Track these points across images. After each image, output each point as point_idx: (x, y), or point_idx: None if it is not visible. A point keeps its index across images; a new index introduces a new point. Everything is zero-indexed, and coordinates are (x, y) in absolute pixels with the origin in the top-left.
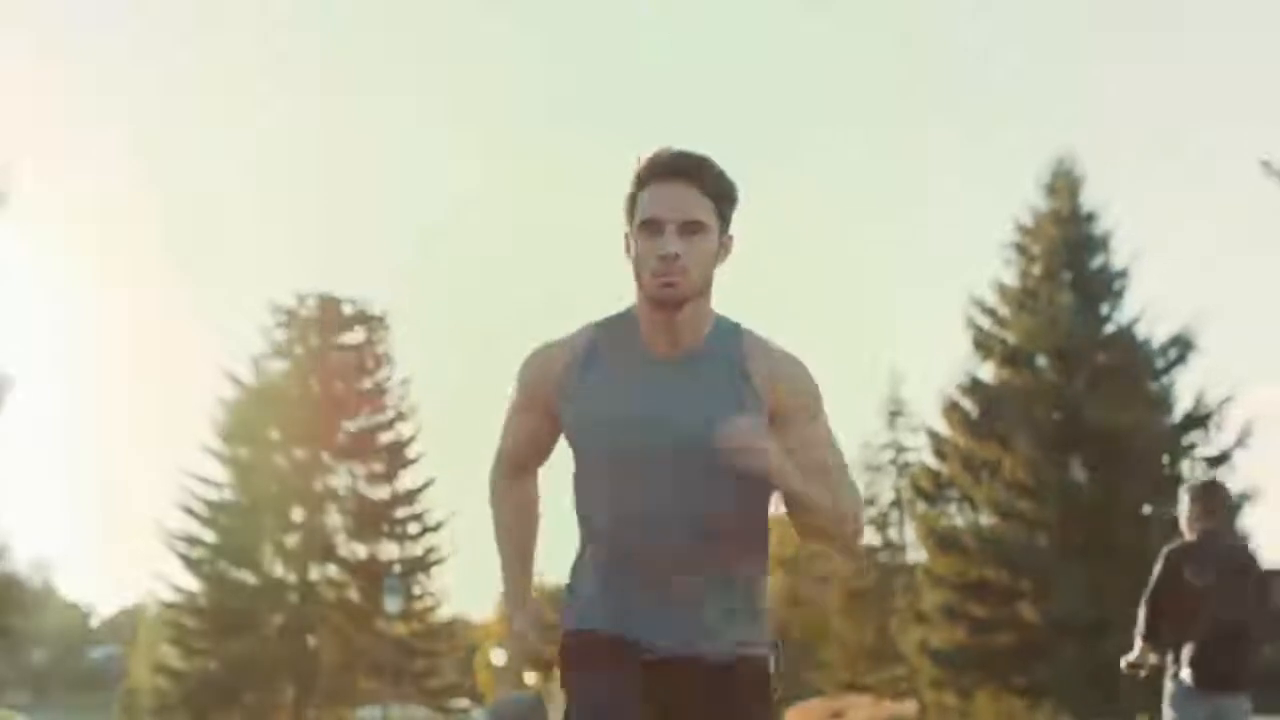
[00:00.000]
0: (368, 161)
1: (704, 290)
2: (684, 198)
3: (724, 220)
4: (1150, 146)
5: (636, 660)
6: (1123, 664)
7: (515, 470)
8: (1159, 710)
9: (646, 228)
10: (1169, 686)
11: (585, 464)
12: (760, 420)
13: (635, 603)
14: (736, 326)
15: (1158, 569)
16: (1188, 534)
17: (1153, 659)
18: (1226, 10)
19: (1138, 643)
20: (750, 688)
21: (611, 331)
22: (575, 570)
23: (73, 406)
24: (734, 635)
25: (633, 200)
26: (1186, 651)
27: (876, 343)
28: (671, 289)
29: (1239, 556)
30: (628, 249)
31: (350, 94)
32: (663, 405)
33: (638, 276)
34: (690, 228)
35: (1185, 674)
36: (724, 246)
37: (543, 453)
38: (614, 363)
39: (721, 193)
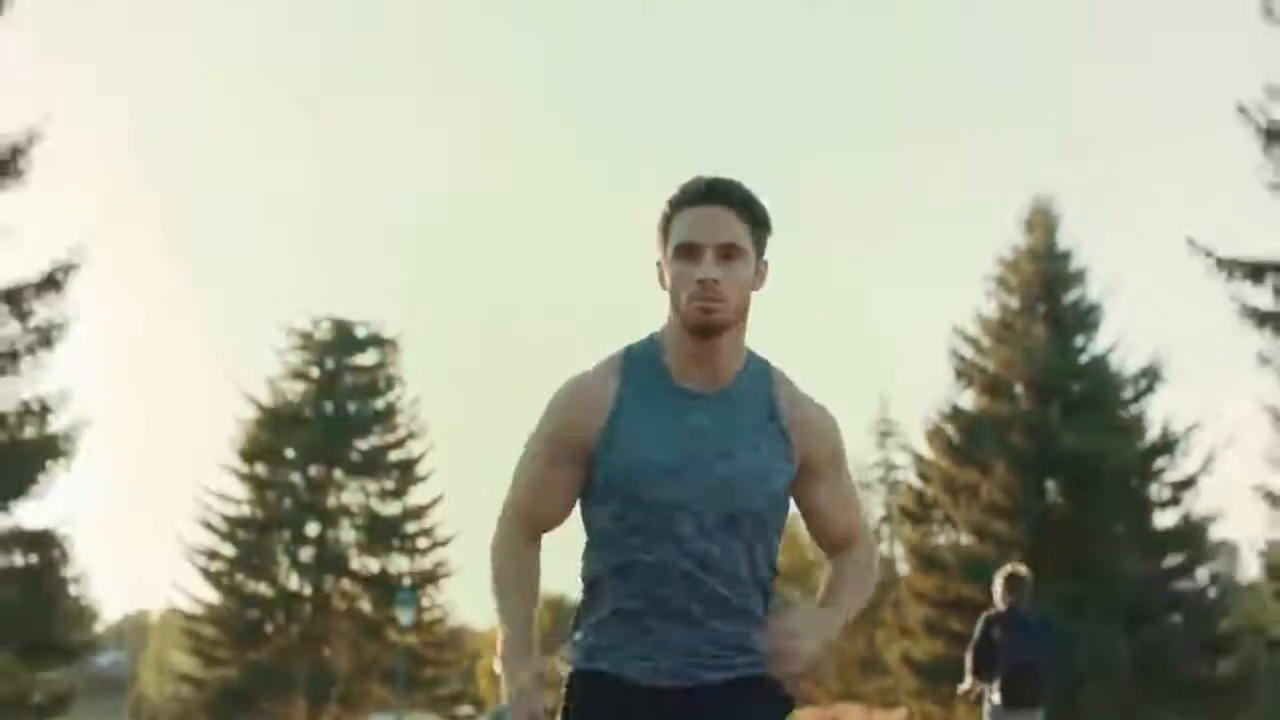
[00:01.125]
0: (369, 164)
1: (742, 317)
2: (722, 221)
3: (760, 246)
4: (1140, 165)
5: (639, 703)
6: (959, 690)
7: (532, 529)
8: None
9: (683, 252)
10: (986, 706)
11: (616, 513)
12: (792, 617)
13: (662, 648)
14: (766, 364)
15: (977, 629)
16: (999, 605)
17: (979, 688)
18: (1209, 30)
19: (969, 678)
20: (769, 695)
21: (642, 364)
22: (583, 622)
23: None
24: (757, 653)
25: (666, 224)
26: (996, 683)
27: (870, 362)
28: (711, 315)
29: (1032, 621)
30: (661, 277)
31: (350, 94)
32: (704, 450)
33: (674, 303)
34: (728, 251)
35: (996, 697)
36: (760, 273)
37: (563, 513)
38: (650, 401)
39: (758, 218)
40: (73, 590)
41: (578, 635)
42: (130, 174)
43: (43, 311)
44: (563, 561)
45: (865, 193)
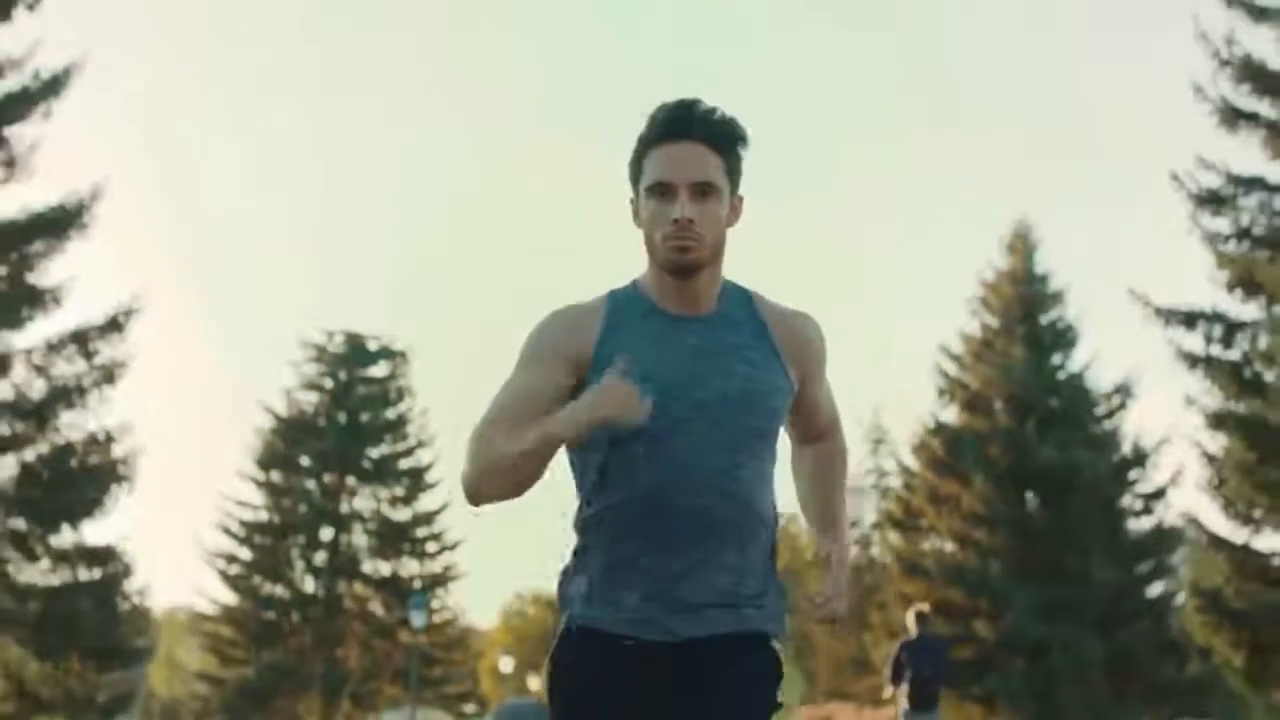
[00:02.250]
0: (371, 169)
1: (718, 255)
2: (695, 159)
3: (734, 180)
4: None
5: (635, 667)
6: (884, 695)
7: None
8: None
9: (656, 191)
10: (898, 709)
11: (615, 440)
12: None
13: (665, 581)
14: (744, 289)
15: (893, 651)
16: (911, 632)
17: (896, 693)
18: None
19: (889, 686)
20: (767, 664)
21: (625, 298)
22: (579, 571)
23: None
24: (761, 606)
25: (639, 162)
26: (904, 689)
27: (866, 368)
28: (687, 254)
29: (933, 646)
30: (635, 215)
31: (350, 95)
32: (700, 365)
33: (649, 242)
34: (703, 189)
35: (904, 702)
36: (734, 209)
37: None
38: (638, 327)
39: (733, 148)
40: (135, 600)
41: (574, 585)
42: (138, 185)
43: (106, 351)
44: (557, 565)
45: (867, 194)
